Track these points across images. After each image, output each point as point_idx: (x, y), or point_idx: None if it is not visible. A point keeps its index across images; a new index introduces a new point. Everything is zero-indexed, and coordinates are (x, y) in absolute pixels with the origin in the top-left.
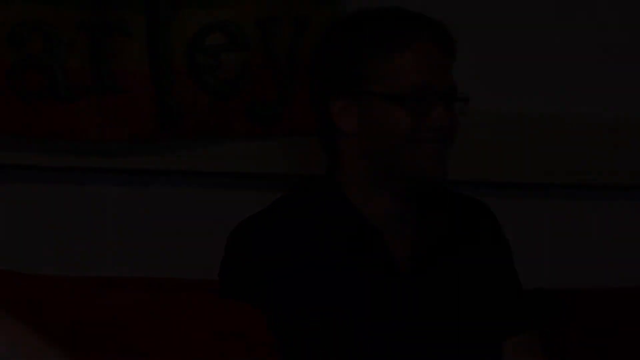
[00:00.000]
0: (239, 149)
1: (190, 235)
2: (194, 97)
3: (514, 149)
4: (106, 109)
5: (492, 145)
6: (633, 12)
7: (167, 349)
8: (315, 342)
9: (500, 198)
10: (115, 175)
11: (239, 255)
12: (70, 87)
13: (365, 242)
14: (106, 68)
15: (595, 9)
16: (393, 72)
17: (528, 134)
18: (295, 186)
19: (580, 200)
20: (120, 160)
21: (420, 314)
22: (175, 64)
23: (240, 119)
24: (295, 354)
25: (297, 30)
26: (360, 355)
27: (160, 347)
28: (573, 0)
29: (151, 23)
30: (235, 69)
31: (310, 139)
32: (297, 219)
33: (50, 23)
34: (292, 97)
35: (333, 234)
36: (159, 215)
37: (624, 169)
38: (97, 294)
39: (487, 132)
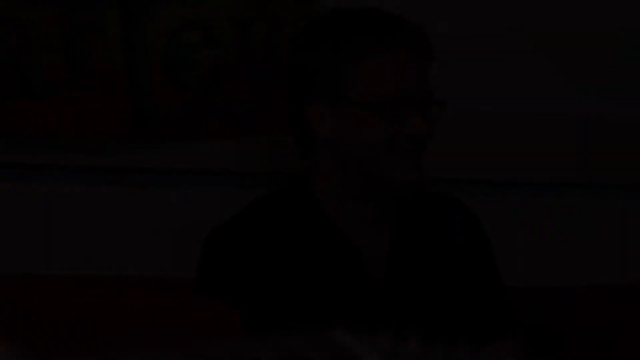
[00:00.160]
0: (215, 147)
1: (166, 233)
2: (170, 95)
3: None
4: (81, 106)
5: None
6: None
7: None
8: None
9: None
10: (90, 173)
11: (215, 263)
12: (45, 85)
13: (338, 252)
14: (81, 65)
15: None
16: (368, 78)
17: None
18: (270, 188)
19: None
20: (94, 158)
21: (395, 323)
22: (150, 61)
23: (215, 117)
24: None
25: (273, 29)
26: None
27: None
28: None
29: (126, 20)
30: (210, 67)
31: (287, 137)
32: (271, 226)
33: (25, 20)
34: (267, 96)
35: (305, 243)
36: (134, 213)
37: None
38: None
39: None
